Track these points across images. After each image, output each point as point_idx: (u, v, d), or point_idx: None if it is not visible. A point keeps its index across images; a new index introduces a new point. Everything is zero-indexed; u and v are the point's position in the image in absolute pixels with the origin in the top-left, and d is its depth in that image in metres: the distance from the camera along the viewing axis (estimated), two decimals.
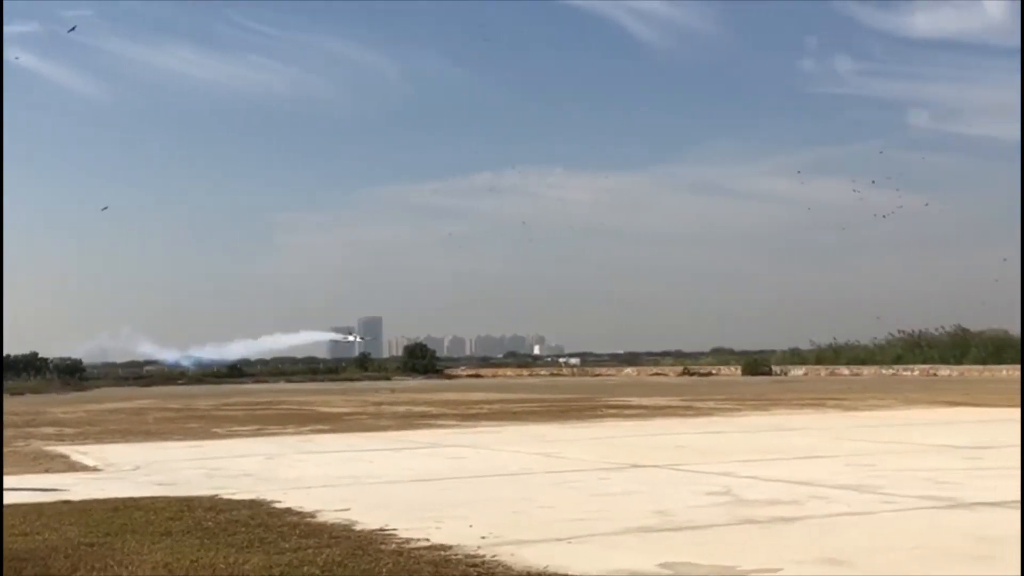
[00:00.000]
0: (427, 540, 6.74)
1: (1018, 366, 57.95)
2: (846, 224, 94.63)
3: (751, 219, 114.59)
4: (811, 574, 5.71)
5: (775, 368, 64.10)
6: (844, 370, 62.28)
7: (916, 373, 58.10)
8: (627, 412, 22.21)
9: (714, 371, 65.19)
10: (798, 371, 63.09)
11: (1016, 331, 73.10)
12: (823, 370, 62.88)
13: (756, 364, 63.89)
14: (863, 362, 66.73)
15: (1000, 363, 62.57)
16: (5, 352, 46.51)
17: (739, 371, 63.12)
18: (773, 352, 74.06)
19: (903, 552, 6.26)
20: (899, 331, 76.06)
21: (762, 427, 17.45)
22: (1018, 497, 8.43)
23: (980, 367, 59.69)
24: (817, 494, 8.76)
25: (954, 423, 18.19)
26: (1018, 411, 21.51)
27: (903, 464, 11.16)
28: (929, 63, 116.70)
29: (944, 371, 58.09)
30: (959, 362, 65.09)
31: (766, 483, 9.61)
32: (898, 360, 68.06)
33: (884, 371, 60.32)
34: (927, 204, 79.45)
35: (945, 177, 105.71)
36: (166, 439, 16.28)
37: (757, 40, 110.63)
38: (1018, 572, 5.71)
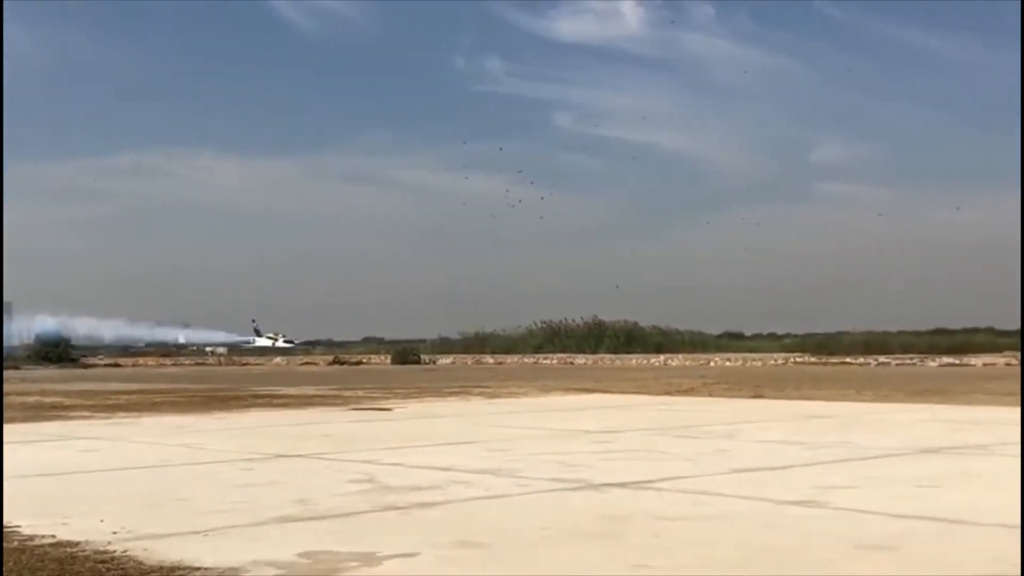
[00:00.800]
0: (53, 537, 6.36)
1: (647, 355, 62.06)
2: (496, 216, 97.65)
3: (404, 210, 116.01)
4: (448, 557, 5.85)
5: (424, 357, 65.31)
6: (489, 359, 64.45)
7: (555, 361, 60.97)
8: (275, 402, 21.94)
9: (364, 360, 65.59)
10: (446, 360, 64.62)
11: (644, 322, 78.08)
12: (470, 359, 64.78)
13: (406, 353, 64.83)
14: (507, 351, 69.30)
15: (630, 352, 66.80)
16: None
17: (389, 360, 63.83)
18: (423, 341, 75.54)
19: (535, 532, 6.54)
20: (541, 321, 79.59)
21: (408, 415, 17.73)
22: (642, 478, 9.03)
23: (612, 356, 63.56)
24: (457, 479, 9.00)
25: (587, 409, 19.21)
26: (644, 398, 23.05)
27: (538, 449, 11.66)
28: (572, 67, 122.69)
29: (580, 359, 61.35)
30: (594, 351, 68.96)
31: (409, 470, 9.77)
32: (539, 349, 71.20)
33: (526, 359, 62.92)
34: (543, 198, 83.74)
35: (586, 176, 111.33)
36: None
37: (413, 35, 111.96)
38: (644, 544, 6.10)
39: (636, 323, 77.32)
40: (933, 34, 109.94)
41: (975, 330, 72.68)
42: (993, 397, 20.93)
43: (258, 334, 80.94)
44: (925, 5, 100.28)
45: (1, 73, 48.82)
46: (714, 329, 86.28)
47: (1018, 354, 52.13)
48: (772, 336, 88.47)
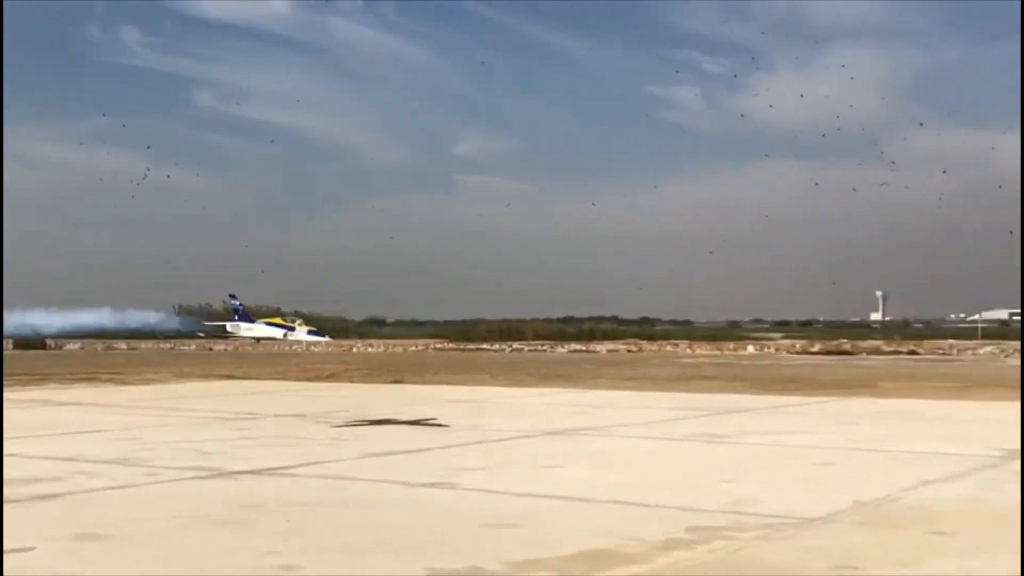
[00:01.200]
0: None
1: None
2: (135, 196, 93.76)
3: (31, 185, 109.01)
4: (66, 550, 5.58)
5: (50, 342, 61.83)
6: (122, 344, 61.83)
7: (194, 347, 59.37)
8: None
9: None
10: (74, 345, 61.41)
11: (287, 308, 77.54)
12: (100, 344, 61.86)
13: (30, 337, 61.02)
14: (142, 336, 66.85)
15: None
16: None
17: (11, 345, 59.77)
18: (50, 326, 71.22)
19: (163, 522, 6.35)
20: (180, 306, 77.27)
21: (28, 402, 16.68)
22: (278, 464, 8.95)
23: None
24: (81, 469, 8.58)
25: (225, 395, 18.84)
26: (285, 384, 22.87)
27: (171, 436, 11.31)
28: (214, 45, 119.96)
29: (220, 346, 60.06)
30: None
31: (27, 460, 9.20)
32: (179, 335, 68.95)
33: (163, 345, 60.89)
34: (168, 176, 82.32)
35: (228, 156, 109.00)
36: None
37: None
38: (276, 530, 6.06)
39: (279, 309, 76.67)
40: (572, 35, 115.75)
41: (601, 319, 77.30)
42: (614, 382, 22.38)
43: (245, 317, 65.25)
44: (568, 6, 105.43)
45: (1, 73, 43.52)
46: (357, 315, 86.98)
47: (639, 342, 55.87)
48: (414, 323, 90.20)
